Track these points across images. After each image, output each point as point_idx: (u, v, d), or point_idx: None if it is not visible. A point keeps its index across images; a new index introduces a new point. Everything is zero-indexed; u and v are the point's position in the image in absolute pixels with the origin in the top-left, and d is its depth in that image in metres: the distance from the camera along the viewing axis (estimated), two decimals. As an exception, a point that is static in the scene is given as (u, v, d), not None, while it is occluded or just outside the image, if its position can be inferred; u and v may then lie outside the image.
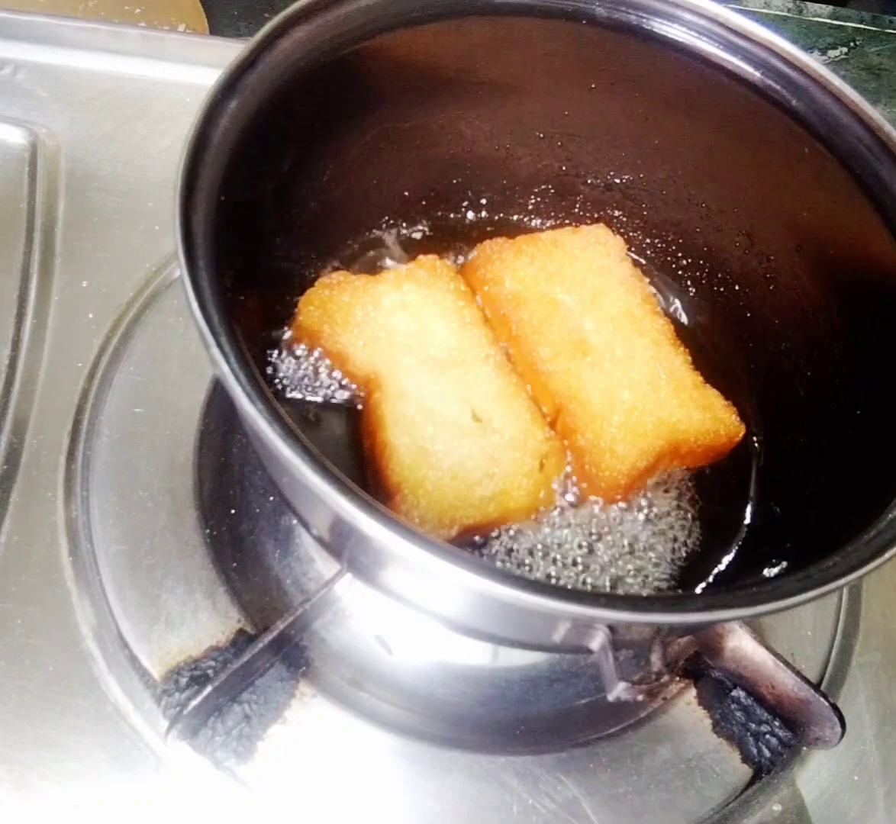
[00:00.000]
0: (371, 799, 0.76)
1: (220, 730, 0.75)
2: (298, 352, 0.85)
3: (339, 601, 0.83)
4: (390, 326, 0.83)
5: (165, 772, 0.75)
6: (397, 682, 0.82)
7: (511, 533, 0.79)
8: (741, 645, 0.73)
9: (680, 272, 0.95)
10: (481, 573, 0.49)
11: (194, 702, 0.71)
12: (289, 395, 0.83)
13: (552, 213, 0.97)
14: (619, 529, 0.81)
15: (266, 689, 0.78)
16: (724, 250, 0.89)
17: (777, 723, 0.79)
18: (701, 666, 0.82)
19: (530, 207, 0.97)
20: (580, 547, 0.79)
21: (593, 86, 0.82)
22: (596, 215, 0.96)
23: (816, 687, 0.73)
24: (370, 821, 0.75)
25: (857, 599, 0.90)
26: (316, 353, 0.84)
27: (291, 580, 0.85)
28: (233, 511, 0.87)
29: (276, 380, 0.83)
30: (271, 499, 0.87)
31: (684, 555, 0.81)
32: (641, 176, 0.90)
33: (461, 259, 0.94)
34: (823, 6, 1.44)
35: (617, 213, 0.95)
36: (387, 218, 0.93)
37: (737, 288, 0.90)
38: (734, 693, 0.81)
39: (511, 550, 0.79)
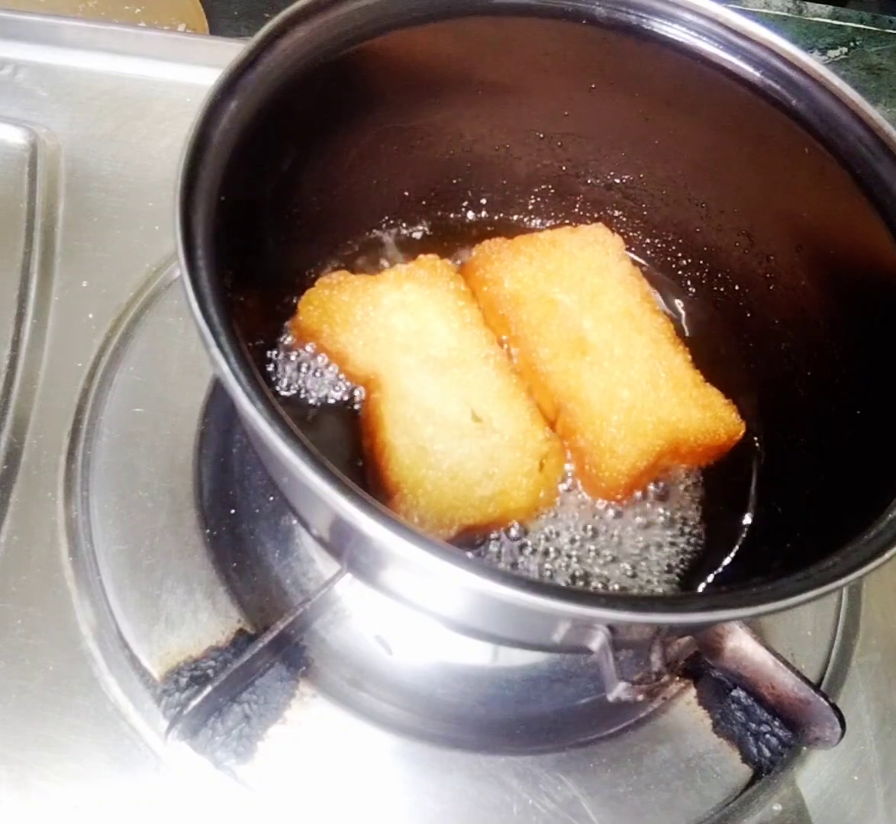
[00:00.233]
0: (371, 799, 0.76)
1: (220, 730, 0.75)
2: (298, 352, 0.85)
3: (339, 601, 0.83)
4: (390, 326, 0.83)
5: (165, 772, 0.75)
6: (397, 682, 0.82)
7: (511, 533, 0.79)
8: (741, 645, 0.73)
9: (680, 272, 0.95)
10: (481, 573, 0.49)
11: (194, 702, 0.71)
12: (288, 395, 0.83)
13: (552, 213, 0.97)
14: (618, 529, 0.81)
15: (266, 689, 0.78)
16: (724, 250, 0.89)
17: (777, 723, 0.79)
18: (701, 666, 0.82)
19: (530, 207, 0.97)
20: (580, 546, 0.79)
21: (593, 86, 0.82)
22: (596, 215, 0.96)
23: (816, 687, 0.73)
24: (370, 821, 0.75)
25: (857, 599, 0.90)
26: (316, 353, 0.84)
27: (291, 580, 0.85)
28: (233, 511, 0.87)
29: (276, 380, 0.83)
30: (271, 499, 0.87)
31: (684, 554, 0.81)
32: (641, 176, 0.90)
33: (461, 259, 0.94)
34: (823, 6, 1.44)
35: (617, 213, 0.95)
36: (387, 218, 0.93)
37: (737, 288, 0.90)
38: (734, 693, 0.81)
39: (511, 550, 0.79)
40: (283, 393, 0.83)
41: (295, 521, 0.86)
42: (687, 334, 0.90)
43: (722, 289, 0.92)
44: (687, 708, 0.82)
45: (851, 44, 1.41)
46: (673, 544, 0.81)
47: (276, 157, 0.73)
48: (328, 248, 0.90)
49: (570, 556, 0.79)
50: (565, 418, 0.82)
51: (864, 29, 1.42)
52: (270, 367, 0.84)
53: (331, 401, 0.83)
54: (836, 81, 0.71)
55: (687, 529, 0.82)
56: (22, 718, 0.76)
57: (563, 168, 0.92)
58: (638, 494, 0.82)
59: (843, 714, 0.73)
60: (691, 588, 0.80)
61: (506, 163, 0.92)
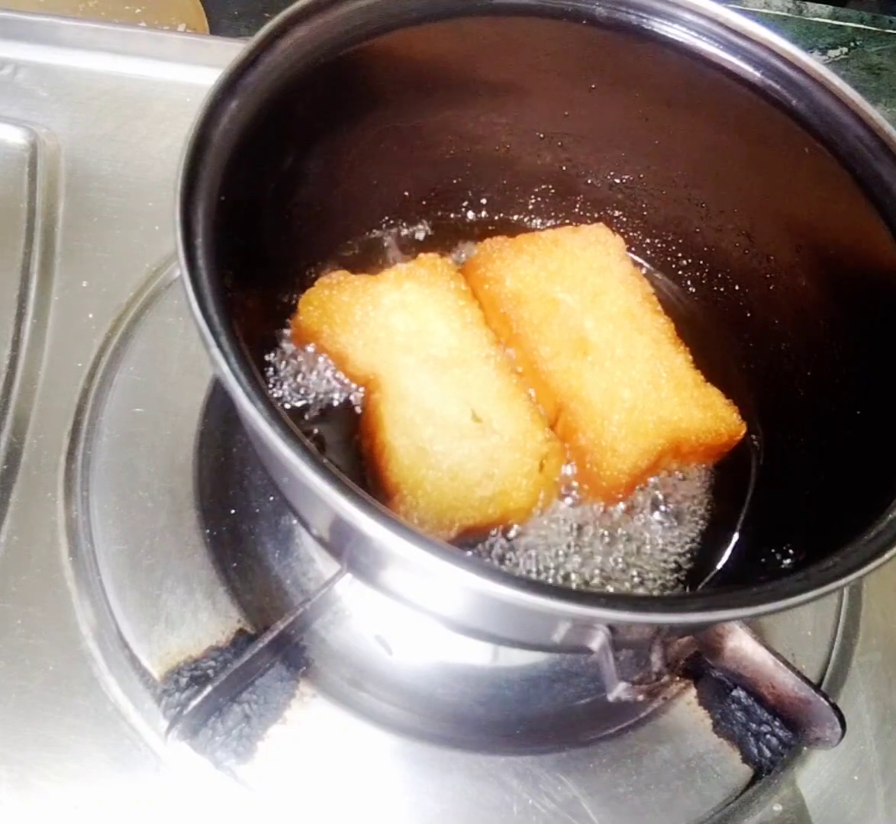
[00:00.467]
0: (371, 799, 0.76)
1: (220, 730, 0.75)
2: (298, 353, 0.85)
3: (339, 601, 0.83)
4: (390, 326, 0.83)
5: (165, 772, 0.75)
6: (397, 682, 0.82)
7: (511, 533, 0.79)
8: (741, 645, 0.73)
9: (680, 272, 0.95)
10: (481, 573, 0.49)
11: (194, 702, 0.71)
12: (288, 395, 0.83)
13: (552, 213, 0.97)
14: (619, 529, 0.81)
15: (266, 689, 0.78)
16: (724, 250, 0.89)
17: (777, 723, 0.79)
18: (701, 666, 0.82)
19: (530, 207, 0.97)
20: (579, 547, 0.79)
21: (593, 86, 0.82)
22: (596, 215, 0.96)
23: (816, 687, 0.74)
24: (370, 821, 0.75)
25: (857, 599, 0.90)
26: (316, 353, 0.84)
27: (291, 580, 0.85)
28: (233, 511, 0.87)
29: (276, 380, 0.83)
30: (271, 498, 0.87)
31: (684, 554, 0.81)
32: (641, 176, 0.90)
33: (461, 258, 0.94)
34: (823, 6, 1.44)
35: (617, 213, 0.95)
36: (387, 218, 0.93)
37: (737, 288, 0.90)
38: (734, 693, 0.81)
39: (510, 550, 0.78)
40: (283, 393, 0.83)
41: (295, 521, 0.86)
42: (687, 334, 0.90)
43: (722, 290, 0.92)
44: (687, 708, 0.82)
45: (851, 44, 1.41)
46: (673, 544, 0.81)
47: (276, 157, 0.73)
48: (328, 248, 0.90)
49: (569, 557, 0.79)
50: (566, 418, 0.82)
51: (864, 29, 1.42)
52: (270, 368, 0.84)
53: (330, 401, 0.83)
54: (836, 81, 0.71)
55: (687, 529, 0.82)
56: (22, 718, 0.76)
57: (564, 168, 0.92)
58: (639, 494, 0.82)
59: (844, 714, 0.73)
60: (691, 588, 0.80)
61: (506, 163, 0.92)
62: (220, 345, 0.53)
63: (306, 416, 0.83)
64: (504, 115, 0.86)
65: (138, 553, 0.82)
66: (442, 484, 0.76)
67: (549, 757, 0.79)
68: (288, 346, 0.85)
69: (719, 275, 0.92)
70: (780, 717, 0.79)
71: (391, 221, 0.93)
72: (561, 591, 0.51)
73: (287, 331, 0.85)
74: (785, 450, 0.84)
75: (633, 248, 0.95)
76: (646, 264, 0.97)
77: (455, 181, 0.93)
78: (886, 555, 0.55)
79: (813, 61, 0.72)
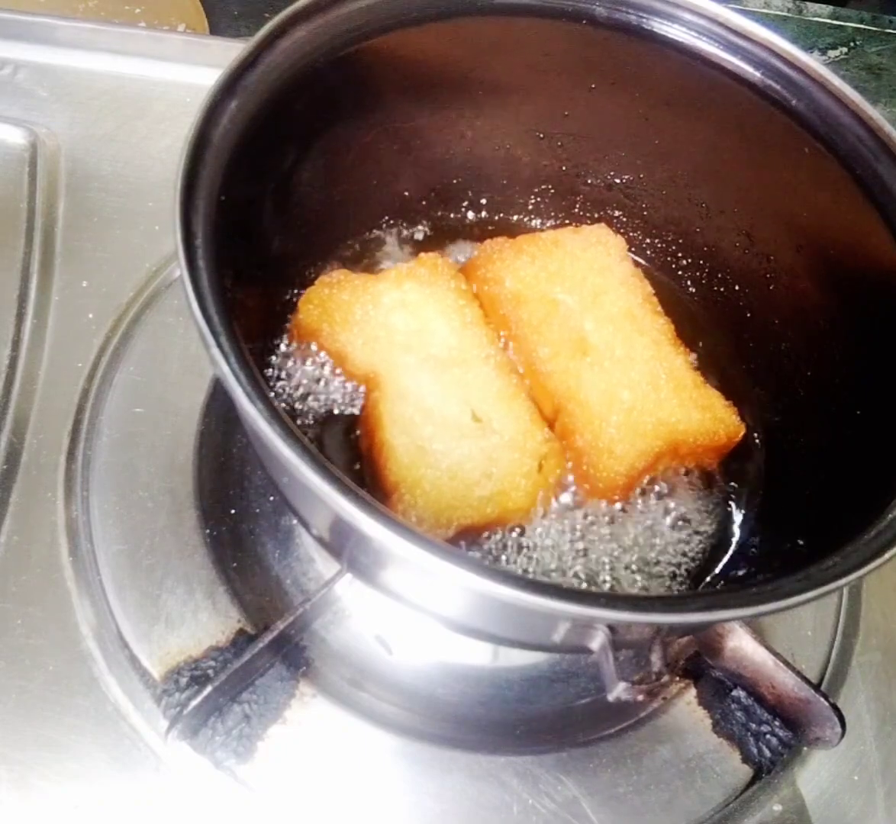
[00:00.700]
0: (371, 799, 0.76)
1: (220, 730, 0.75)
2: (298, 352, 0.85)
3: (339, 601, 0.83)
4: (390, 325, 0.83)
5: (165, 772, 0.75)
6: (397, 682, 0.82)
7: (509, 533, 0.79)
8: (741, 645, 0.73)
9: (680, 272, 0.95)
10: (480, 573, 0.49)
11: (194, 702, 0.71)
12: (288, 395, 0.83)
13: (552, 213, 0.97)
14: (617, 529, 0.81)
15: (266, 689, 0.78)
16: (724, 250, 0.89)
17: (777, 723, 0.79)
18: (701, 666, 0.82)
19: (530, 207, 0.97)
20: (578, 547, 0.79)
21: (593, 86, 0.82)
22: (596, 215, 0.96)
23: (816, 687, 0.74)
24: (370, 821, 0.75)
25: (857, 599, 0.90)
26: (316, 352, 0.84)
27: (291, 580, 0.85)
28: (233, 511, 0.87)
29: (276, 380, 0.83)
30: (271, 498, 0.87)
31: (683, 554, 0.81)
32: (641, 176, 0.90)
33: (462, 259, 0.94)
34: (823, 6, 1.43)
35: (617, 214, 0.95)
36: (387, 218, 0.93)
37: (737, 288, 0.90)
38: (734, 693, 0.81)
39: (509, 550, 0.78)
40: (283, 392, 0.83)
41: (295, 521, 0.86)
42: (687, 335, 0.90)
43: (722, 290, 0.92)
44: (687, 708, 0.82)
45: (851, 44, 1.41)
46: (672, 544, 0.81)
47: (276, 157, 0.73)
48: (328, 248, 0.90)
49: (568, 556, 0.79)
50: (565, 418, 0.82)
51: (864, 29, 1.42)
52: (270, 367, 0.84)
53: (330, 400, 0.83)
54: (836, 81, 0.71)
55: (686, 529, 0.82)
56: (22, 718, 0.76)
57: (564, 168, 0.92)
58: (637, 494, 0.82)
59: (844, 714, 0.73)
60: (691, 588, 0.80)
61: (506, 163, 0.92)
62: (220, 345, 0.53)
63: (306, 416, 0.82)
64: (504, 115, 0.86)
65: (138, 553, 0.82)
66: (440, 483, 0.76)
67: (549, 757, 0.79)
68: (288, 346, 0.85)
69: (719, 276, 0.92)
70: (780, 717, 0.79)
71: (391, 221, 0.93)
72: (560, 591, 0.51)
73: (287, 331, 0.85)
74: (785, 450, 0.84)
75: (633, 248, 0.95)
76: (646, 264, 0.96)
77: (455, 181, 0.93)
78: (886, 556, 0.55)
79: (813, 61, 0.72)
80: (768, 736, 0.80)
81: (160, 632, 0.79)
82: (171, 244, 0.56)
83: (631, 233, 0.95)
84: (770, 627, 0.86)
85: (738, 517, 0.84)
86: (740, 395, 0.86)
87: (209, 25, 1.25)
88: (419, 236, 0.95)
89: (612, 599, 0.51)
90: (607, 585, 0.78)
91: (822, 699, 0.73)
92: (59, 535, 0.83)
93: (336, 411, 0.83)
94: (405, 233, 0.95)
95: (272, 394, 0.54)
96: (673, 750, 0.80)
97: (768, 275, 0.85)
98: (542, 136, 0.89)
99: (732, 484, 0.85)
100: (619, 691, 0.57)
